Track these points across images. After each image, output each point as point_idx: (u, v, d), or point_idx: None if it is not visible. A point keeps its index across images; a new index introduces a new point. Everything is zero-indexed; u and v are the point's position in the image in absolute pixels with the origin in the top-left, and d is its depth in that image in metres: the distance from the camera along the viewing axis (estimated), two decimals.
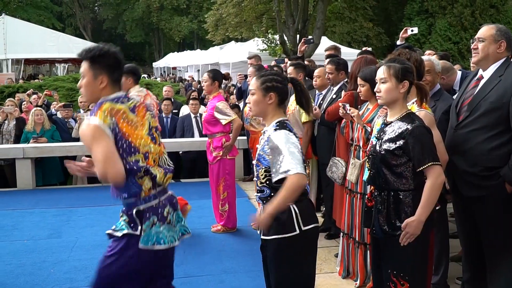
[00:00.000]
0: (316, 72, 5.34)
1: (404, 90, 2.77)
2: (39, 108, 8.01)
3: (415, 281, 2.75)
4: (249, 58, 8.16)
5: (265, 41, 17.12)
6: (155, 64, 36.05)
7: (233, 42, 23.34)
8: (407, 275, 2.73)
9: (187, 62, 27.68)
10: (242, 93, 7.66)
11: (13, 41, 19.32)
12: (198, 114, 8.08)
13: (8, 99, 9.03)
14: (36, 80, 15.40)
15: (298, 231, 2.59)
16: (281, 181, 2.53)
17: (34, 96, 9.90)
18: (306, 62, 6.46)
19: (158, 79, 20.15)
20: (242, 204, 6.30)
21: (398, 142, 2.71)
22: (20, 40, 19.47)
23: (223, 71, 21.44)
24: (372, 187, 2.96)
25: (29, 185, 7.24)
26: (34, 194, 6.93)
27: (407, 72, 2.78)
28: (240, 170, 7.65)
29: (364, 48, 5.43)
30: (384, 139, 2.80)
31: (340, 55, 6.25)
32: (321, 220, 5.48)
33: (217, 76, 5.34)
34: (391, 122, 2.82)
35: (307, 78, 5.76)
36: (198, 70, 25.05)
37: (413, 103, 3.10)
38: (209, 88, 5.29)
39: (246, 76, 12.13)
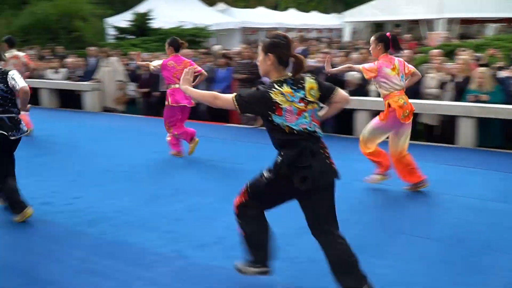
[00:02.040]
0: None
1: (270, 62, 2.91)
2: (482, 68, 7.84)
3: None
4: None
5: None
6: None
7: None
8: None
9: None
10: None
11: (450, 1, 19.52)
12: None
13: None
14: (472, 40, 15.14)
15: None
16: None
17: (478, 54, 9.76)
18: None
19: None
20: None
21: None
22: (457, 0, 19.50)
23: None
24: None
25: (469, 144, 7.25)
26: (475, 154, 6.90)
27: (272, 46, 2.92)
28: None
29: None
30: None
31: None
32: None
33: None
34: None
35: None
36: None
37: None
38: None
39: None
